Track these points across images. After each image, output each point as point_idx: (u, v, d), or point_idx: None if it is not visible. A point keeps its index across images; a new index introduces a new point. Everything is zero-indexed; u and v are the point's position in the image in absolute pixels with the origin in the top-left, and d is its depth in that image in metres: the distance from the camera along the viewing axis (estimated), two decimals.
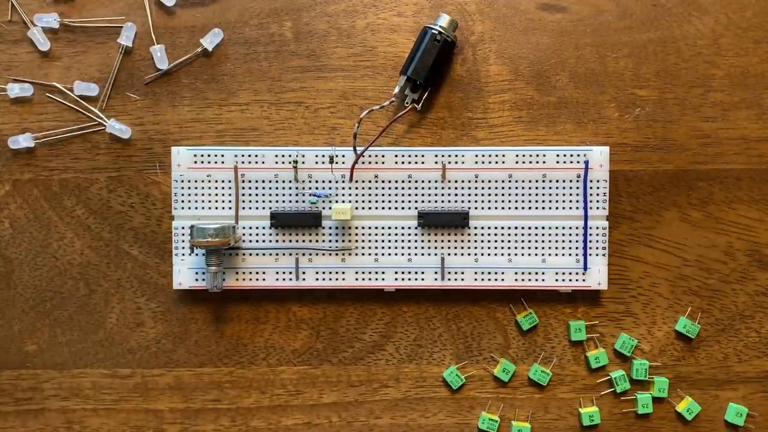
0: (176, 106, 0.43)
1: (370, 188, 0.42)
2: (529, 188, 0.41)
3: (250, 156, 0.41)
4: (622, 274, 0.43)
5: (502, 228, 0.41)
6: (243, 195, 0.42)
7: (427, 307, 0.43)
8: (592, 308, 0.43)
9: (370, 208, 0.42)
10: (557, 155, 0.41)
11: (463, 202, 0.41)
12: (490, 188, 0.41)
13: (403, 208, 0.42)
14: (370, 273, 0.42)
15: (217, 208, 0.42)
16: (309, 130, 0.43)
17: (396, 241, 0.41)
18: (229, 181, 0.41)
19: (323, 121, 0.43)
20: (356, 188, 0.42)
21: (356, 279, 0.42)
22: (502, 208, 0.41)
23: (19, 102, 0.43)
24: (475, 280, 0.41)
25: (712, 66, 0.42)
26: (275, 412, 0.43)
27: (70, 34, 0.43)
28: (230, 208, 0.42)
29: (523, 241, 0.41)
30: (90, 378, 0.43)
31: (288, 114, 0.43)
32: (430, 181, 0.41)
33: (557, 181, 0.41)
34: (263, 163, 0.41)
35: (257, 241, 0.42)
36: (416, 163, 0.41)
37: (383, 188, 0.41)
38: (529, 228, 0.41)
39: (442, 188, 0.41)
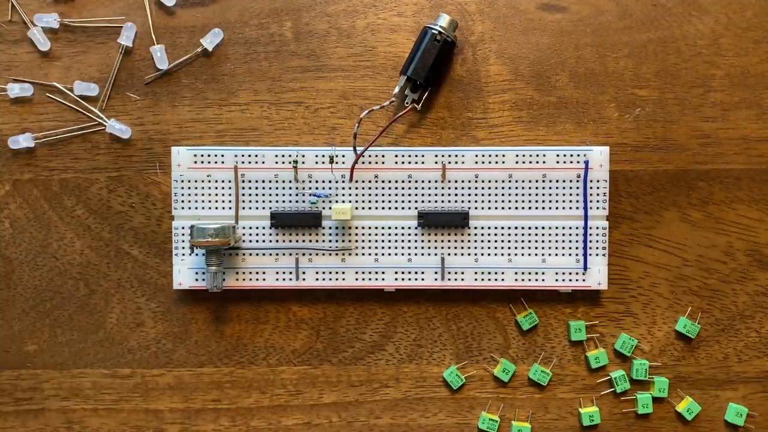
0: (176, 106, 0.43)
1: (370, 188, 0.42)
2: (529, 188, 0.41)
3: (250, 156, 0.41)
4: (622, 274, 0.43)
5: (502, 228, 0.41)
6: (243, 195, 0.42)
7: (427, 307, 0.43)
8: (592, 308, 0.43)
9: (370, 208, 0.42)
10: (557, 155, 0.41)
11: (463, 202, 0.41)
12: (490, 188, 0.41)
13: (403, 208, 0.42)
14: (370, 273, 0.42)
15: (217, 208, 0.42)
16: (309, 130, 0.43)
17: (396, 241, 0.41)
18: (229, 181, 0.41)
19: (323, 121, 0.43)
20: (356, 188, 0.42)
21: (356, 279, 0.42)
22: (502, 208, 0.41)
23: (19, 102, 0.43)
24: (475, 280, 0.41)
25: (712, 66, 0.42)
26: (275, 412, 0.43)
27: (70, 34, 0.43)
28: (230, 208, 0.42)
29: (523, 241, 0.41)
30: (90, 378, 0.43)
31: (288, 114, 0.43)
32: (430, 181, 0.41)
33: (557, 181, 0.41)
34: (263, 163, 0.41)
35: (257, 241, 0.42)
36: (416, 163, 0.41)
37: (383, 188, 0.41)
38: (529, 228, 0.41)
39: (442, 188, 0.41)
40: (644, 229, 0.43)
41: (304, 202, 0.42)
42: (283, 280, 0.42)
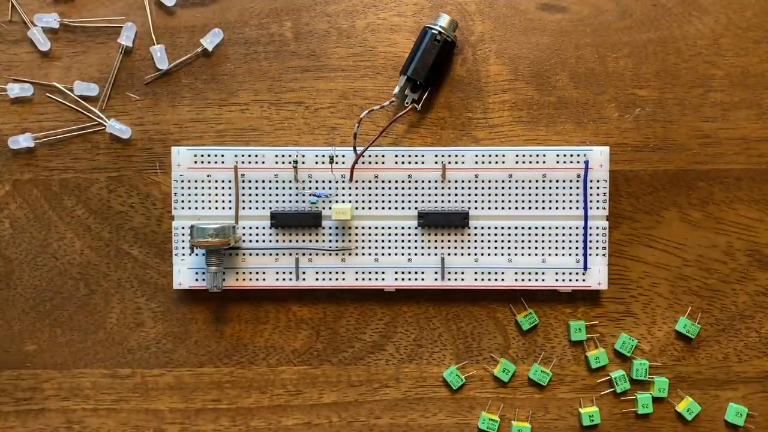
0: (176, 106, 0.43)
1: (370, 188, 0.42)
2: (529, 188, 0.41)
3: (250, 156, 0.41)
4: (622, 274, 0.43)
5: (502, 228, 0.41)
6: (243, 195, 0.42)
7: (427, 307, 0.43)
8: (592, 308, 0.43)
9: (370, 208, 0.42)
10: (557, 155, 0.41)
11: (463, 202, 0.41)
12: (490, 188, 0.41)
13: (403, 208, 0.42)
14: (370, 273, 0.42)
15: (217, 208, 0.42)
16: (309, 130, 0.43)
17: (396, 241, 0.41)
18: (229, 181, 0.41)
19: (323, 121, 0.43)
20: (356, 188, 0.42)
21: (356, 279, 0.42)
22: (502, 208, 0.41)
23: (19, 102, 0.43)
24: (475, 280, 0.41)
25: (712, 66, 0.42)
26: (275, 412, 0.43)
27: (70, 34, 0.43)
28: (230, 208, 0.42)
29: (523, 241, 0.41)
30: (90, 378, 0.43)
31: (288, 114, 0.43)
32: (430, 181, 0.41)
33: (557, 181, 0.41)
34: (263, 163, 0.41)
35: (257, 241, 0.42)
36: (416, 163, 0.41)
37: (383, 188, 0.41)
38: (529, 228, 0.41)
39: (442, 188, 0.41)
40: (644, 229, 0.43)
41: (304, 202, 0.42)
42: (283, 280, 0.42)
